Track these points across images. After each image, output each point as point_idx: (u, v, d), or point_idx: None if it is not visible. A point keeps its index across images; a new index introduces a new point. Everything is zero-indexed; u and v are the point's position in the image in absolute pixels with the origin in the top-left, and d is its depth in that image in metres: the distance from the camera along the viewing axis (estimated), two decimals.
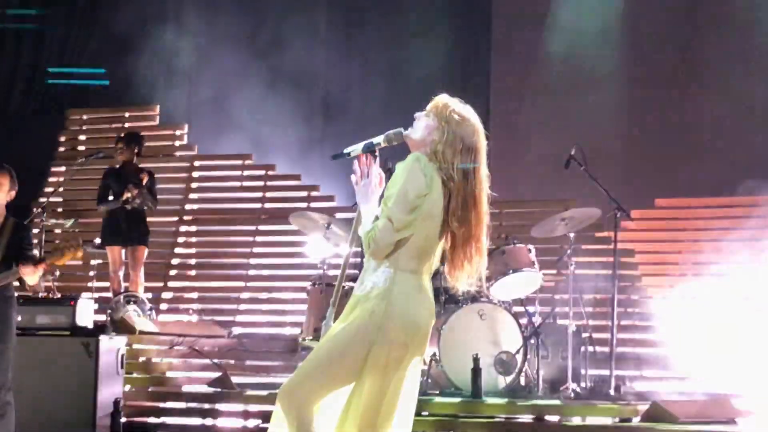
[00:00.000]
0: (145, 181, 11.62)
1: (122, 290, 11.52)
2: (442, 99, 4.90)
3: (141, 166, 11.94)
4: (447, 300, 9.57)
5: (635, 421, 8.56)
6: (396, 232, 4.70)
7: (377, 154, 4.98)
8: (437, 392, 9.21)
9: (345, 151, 5.04)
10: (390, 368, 4.74)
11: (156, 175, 12.06)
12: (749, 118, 12.81)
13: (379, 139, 4.98)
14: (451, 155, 4.77)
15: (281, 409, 4.76)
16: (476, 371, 9.03)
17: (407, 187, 4.70)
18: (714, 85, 12.98)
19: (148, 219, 11.92)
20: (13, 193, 7.66)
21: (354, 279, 9.41)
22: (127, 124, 15.03)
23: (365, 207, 4.88)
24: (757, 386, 9.51)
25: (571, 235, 9.78)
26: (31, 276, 7.46)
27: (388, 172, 4.96)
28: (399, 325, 4.74)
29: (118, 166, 11.96)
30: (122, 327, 10.58)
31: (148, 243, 11.78)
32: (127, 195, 11.47)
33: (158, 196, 11.91)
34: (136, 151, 11.88)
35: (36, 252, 7.73)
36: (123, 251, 11.68)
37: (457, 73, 13.93)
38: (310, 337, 9.66)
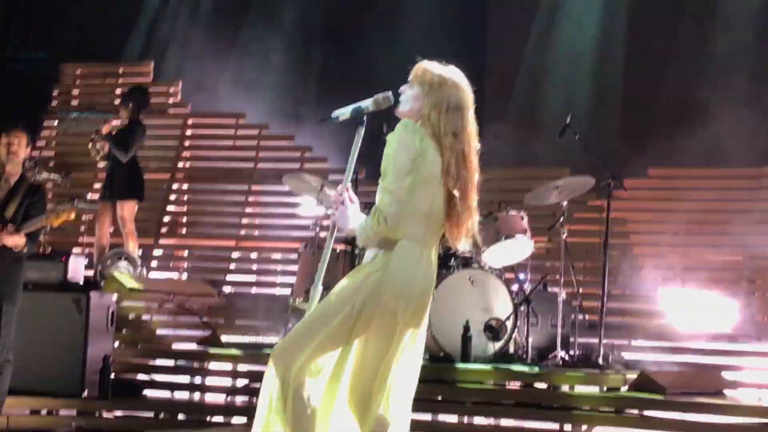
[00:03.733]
0: (107, 130, 11.57)
1: (107, 246, 11.51)
2: (421, 66, 4.87)
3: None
4: (439, 266, 9.53)
5: (623, 390, 8.59)
6: (399, 202, 4.66)
7: (365, 117, 4.94)
8: (426, 357, 9.21)
9: (333, 114, 4.99)
10: (379, 335, 4.71)
11: (149, 132, 11.97)
12: (745, 89, 12.78)
13: (367, 103, 4.94)
14: (437, 118, 4.75)
15: (274, 369, 4.72)
16: (466, 337, 9.04)
17: (399, 155, 4.67)
18: (710, 56, 12.95)
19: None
20: (29, 150, 7.77)
21: (346, 241, 9.46)
22: (120, 80, 14.97)
23: (350, 227, 4.86)
24: (744, 358, 9.56)
25: (564, 203, 9.76)
26: (11, 240, 7.56)
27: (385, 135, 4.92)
28: (390, 292, 4.70)
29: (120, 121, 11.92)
30: (113, 284, 10.58)
31: (140, 198, 11.70)
32: (90, 146, 11.52)
33: (153, 153, 11.79)
34: (130, 106, 11.80)
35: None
36: (112, 207, 11.63)
37: (455, 35, 13.87)
38: (301, 299, 9.66)
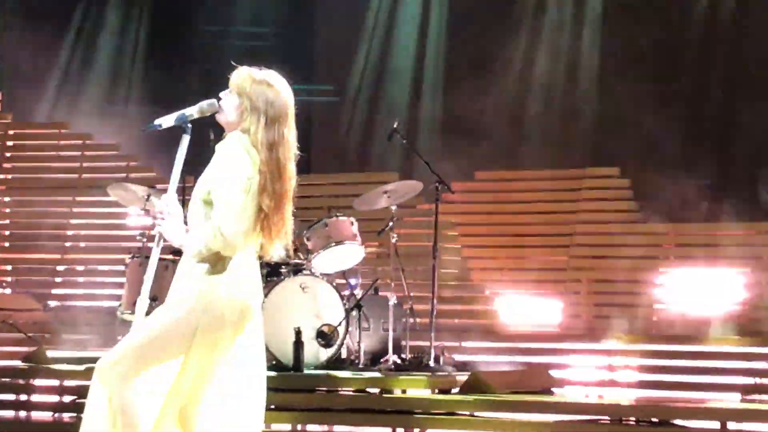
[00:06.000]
0: None
1: None
2: (241, 73, 4.76)
3: None
4: (269, 273, 9.49)
5: (454, 391, 8.67)
6: (237, 218, 4.55)
7: (189, 124, 4.86)
8: None
9: (156, 122, 4.89)
10: (217, 349, 4.63)
11: None
12: (572, 92, 13.10)
13: (192, 111, 4.85)
14: (255, 131, 4.66)
15: (99, 383, 4.58)
16: (298, 344, 9.00)
17: (237, 171, 4.58)
18: (536, 58, 13.24)
19: None
20: None
21: (174, 252, 9.31)
22: None
23: (178, 239, 4.73)
24: (571, 356, 9.79)
25: (394, 207, 9.82)
26: None
27: (212, 143, 4.84)
28: (226, 305, 4.64)
29: None
30: None
31: None
32: None
33: None
34: None
35: None
36: None
37: (281, 42, 13.89)
38: (129, 311, 9.47)
